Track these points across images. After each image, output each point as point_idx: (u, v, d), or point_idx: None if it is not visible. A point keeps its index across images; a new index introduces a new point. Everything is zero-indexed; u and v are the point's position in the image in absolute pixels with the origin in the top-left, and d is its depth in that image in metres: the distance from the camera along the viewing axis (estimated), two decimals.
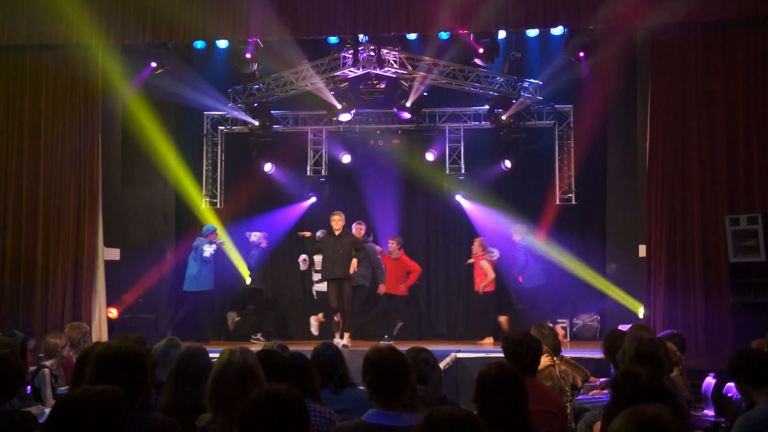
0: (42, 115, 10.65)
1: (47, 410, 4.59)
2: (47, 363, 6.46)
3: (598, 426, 5.24)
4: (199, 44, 11.65)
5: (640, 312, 10.53)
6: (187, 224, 12.55)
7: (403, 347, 3.94)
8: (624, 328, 7.70)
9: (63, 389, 6.06)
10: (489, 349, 10.29)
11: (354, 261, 10.60)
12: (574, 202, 12.64)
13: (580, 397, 6.24)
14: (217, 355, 3.43)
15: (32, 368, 6.61)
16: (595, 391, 6.60)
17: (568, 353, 7.61)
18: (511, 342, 4.37)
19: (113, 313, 11.06)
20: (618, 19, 10.02)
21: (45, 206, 10.53)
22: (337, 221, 10.55)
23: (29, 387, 6.18)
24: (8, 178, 10.55)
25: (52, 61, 10.55)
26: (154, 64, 11.55)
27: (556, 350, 6.19)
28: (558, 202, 12.60)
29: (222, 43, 11.71)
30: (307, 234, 11.13)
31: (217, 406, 3.10)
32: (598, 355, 8.47)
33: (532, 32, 11.62)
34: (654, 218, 10.24)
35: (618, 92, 11.40)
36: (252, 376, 3.16)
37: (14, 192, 10.54)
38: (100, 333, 10.36)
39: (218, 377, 3.13)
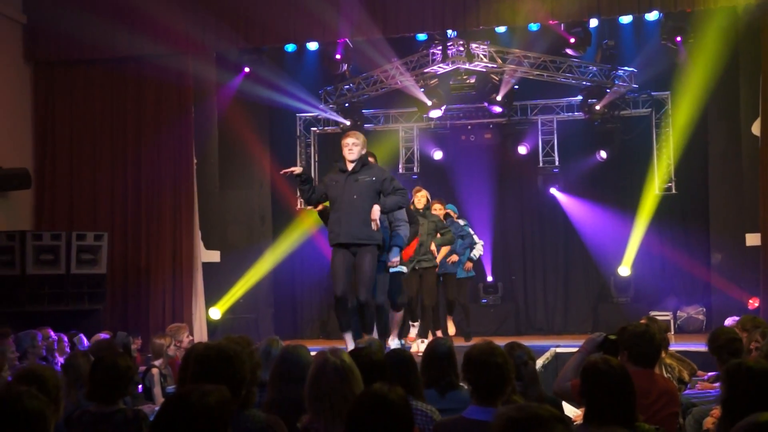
0: (142, 124, 10.97)
1: (157, 408, 4.71)
2: (156, 363, 6.65)
3: (708, 421, 5.05)
4: (290, 47, 11.80)
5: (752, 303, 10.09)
6: (284, 225, 12.75)
7: (500, 342, 3.87)
8: (730, 321, 7.40)
9: (171, 388, 6.23)
10: None
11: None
12: (674, 191, 12.25)
13: (687, 391, 6.04)
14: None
15: (143, 368, 6.83)
16: (702, 385, 6.36)
17: (673, 347, 7.34)
18: (631, 334, 4.17)
19: (216, 314, 11.31)
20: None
21: (146, 212, 10.84)
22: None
23: (140, 386, 6.38)
24: (115, 185, 10.91)
25: (152, 70, 10.85)
26: (247, 69, 11.79)
27: (663, 344, 5.99)
28: (657, 192, 12.22)
29: (312, 46, 11.83)
30: None
31: (317, 407, 3.10)
32: (704, 348, 8.16)
33: (626, 19, 11.28)
34: None
35: (719, 77, 10.93)
36: (351, 375, 3.15)
37: (120, 199, 10.89)
38: (201, 333, 10.59)
39: (316, 378, 3.13)
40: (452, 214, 9.35)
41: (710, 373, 6.66)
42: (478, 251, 9.58)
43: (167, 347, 6.82)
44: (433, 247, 8.35)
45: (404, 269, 7.60)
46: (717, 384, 6.00)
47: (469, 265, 9.40)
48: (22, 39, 10.93)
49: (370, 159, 7.10)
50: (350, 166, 6.66)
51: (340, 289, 6.56)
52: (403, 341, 8.10)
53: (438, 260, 8.57)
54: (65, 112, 11.07)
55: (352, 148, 6.68)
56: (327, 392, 3.08)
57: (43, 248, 9.37)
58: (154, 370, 6.51)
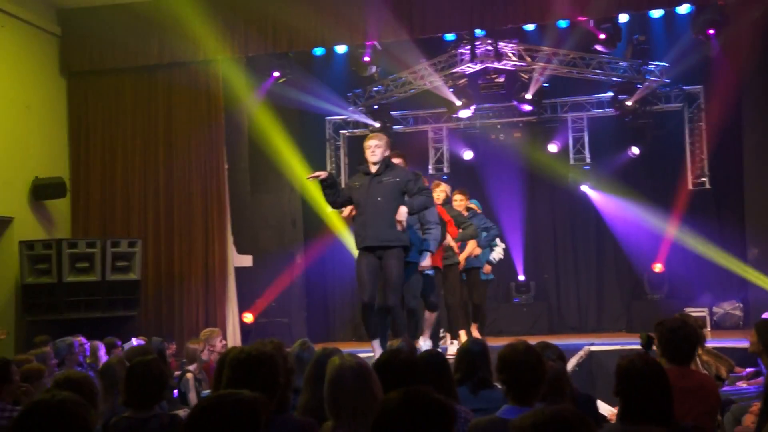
0: (173, 130, 11.06)
1: None
2: (190, 368, 6.70)
3: (747, 419, 4.97)
4: (319, 51, 11.83)
5: None
6: (315, 229, 12.78)
7: (532, 342, 3.84)
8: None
9: (206, 392, 6.27)
10: (623, 341, 9.95)
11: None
12: (708, 186, 12.09)
13: (725, 388, 5.95)
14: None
15: (177, 373, 6.88)
16: (741, 383, 6.27)
17: (709, 343, 7.24)
18: (667, 329, 4.10)
19: (249, 317, 11.36)
20: None
21: (178, 218, 10.92)
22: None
23: (176, 391, 6.43)
24: (147, 192, 11.01)
25: (181, 77, 10.94)
26: (276, 74, 11.85)
27: (700, 341, 5.90)
28: (691, 187, 12.07)
29: (340, 49, 11.85)
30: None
31: (338, 413, 3.08)
32: (741, 344, 8.05)
33: (656, 12, 11.15)
34: None
35: (753, 70, 10.77)
36: (368, 376, 3.13)
37: (153, 205, 10.99)
38: (234, 338, 10.64)
39: (334, 383, 3.11)
40: (476, 208, 8.90)
41: (748, 369, 6.56)
42: (497, 254, 9.08)
43: (201, 352, 6.88)
44: (452, 242, 7.90)
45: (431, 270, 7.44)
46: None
47: (488, 268, 8.87)
48: (58, 51, 11.10)
49: (398, 160, 6.97)
50: (373, 168, 6.58)
51: (367, 294, 6.45)
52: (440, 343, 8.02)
53: (462, 257, 8.15)
54: (98, 121, 11.20)
55: (375, 150, 6.56)
56: (345, 395, 3.07)
57: (78, 256, 9.50)
58: (189, 375, 6.56)
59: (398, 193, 6.49)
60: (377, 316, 6.55)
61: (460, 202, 8.43)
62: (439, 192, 7.91)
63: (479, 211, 9.04)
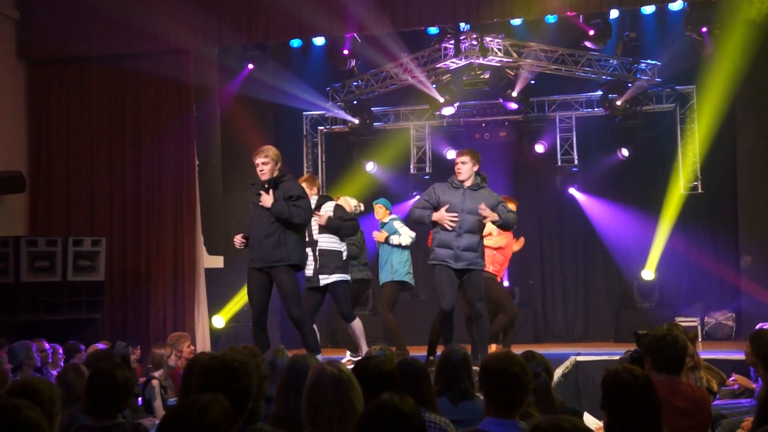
0: (141, 124, 10.99)
1: (158, 422, 4.71)
2: (156, 374, 6.66)
3: None
4: (296, 43, 11.81)
5: None
6: None
7: (517, 351, 3.85)
8: (766, 326, 7.33)
9: (173, 400, 6.22)
10: (611, 351, 10.00)
11: None
12: (700, 190, 12.18)
13: (717, 402, 5.98)
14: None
15: (142, 380, 6.83)
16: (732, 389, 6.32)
17: (701, 355, 7.30)
18: (652, 339, 4.12)
19: (219, 322, 11.31)
20: None
21: (146, 216, 10.85)
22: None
23: (140, 399, 6.38)
24: (113, 188, 10.92)
25: (150, 67, 10.86)
26: (251, 66, 11.81)
27: (690, 353, 5.94)
28: (683, 192, 12.15)
29: (318, 41, 11.84)
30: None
31: (314, 420, 3.07)
32: (734, 356, 8.13)
33: (648, 9, 11.25)
34: None
35: (747, 69, 10.86)
36: (349, 386, 3.12)
37: (119, 202, 10.90)
38: (204, 343, 10.59)
39: (313, 391, 3.09)
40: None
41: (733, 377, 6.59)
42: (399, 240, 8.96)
43: (168, 357, 6.83)
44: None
45: (347, 277, 7.87)
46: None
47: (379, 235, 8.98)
48: (15, 36, 10.96)
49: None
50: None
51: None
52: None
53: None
54: (61, 113, 11.09)
55: (263, 167, 6.88)
56: (324, 403, 3.05)
57: (38, 254, 9.38)
58: (155, 382, 6.51)
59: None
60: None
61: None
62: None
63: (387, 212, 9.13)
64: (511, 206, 8.29)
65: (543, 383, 4.25)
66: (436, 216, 7.03)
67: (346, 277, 7.78)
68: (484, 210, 6.92)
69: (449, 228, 6.99)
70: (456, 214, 6.99)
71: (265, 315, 6.96)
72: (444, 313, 7.12)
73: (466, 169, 7.09)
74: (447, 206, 7.02)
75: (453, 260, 7.03)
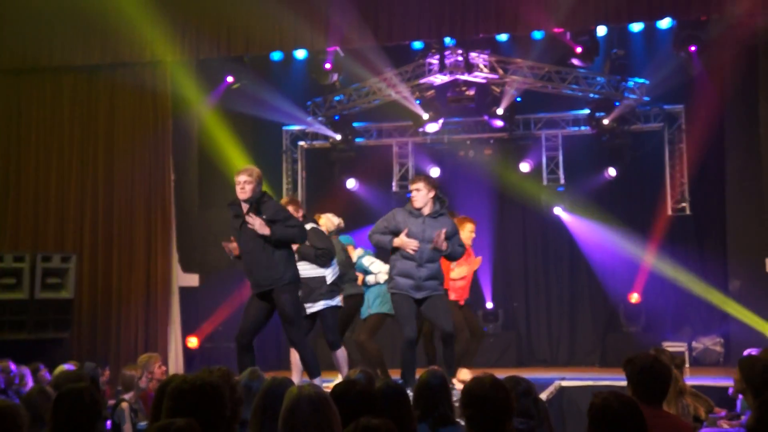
0: (115, 137, 10.95)
1: None
2: (126, 396, 6.57)
3: None
4: (276, 56, 11.80)
5: None
6: None
7: (500, 375, 3.84)
8: (754, 352, 7.36)
9: (143, 424, 6.15)
10: (597, 376, 10.02)
11: None
12: (688, 212, 12.27)
13: (704, 430, 5.99)
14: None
15: (111, 402, 6.74)
16: (721, 422, 6.33)
17: (688, 381, 7.32)
18: (638, 368, 4.12)
19: (193, 342, 11.23)
20: (735, 6, 9.64)
21: (119, 232, 10.78)
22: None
23: (109, 422, 6.30)
24: (84, 203, 10.85)
25: (126, 79, 10.83)
26: (230, 79, 11.80)
27: (677, 379, 5.96)
28: (670, 213, 12.24)
29: (300, 54, 11.83)
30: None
31: None
32: (722, 382, 8.15)
33: (636, 27, 11.32)
34: None
35: (736, 89, 10.97)
36: (327, 408, 3.10)
37: (90, 217, 10.83)
38: (177, 364, 10.51)
39: (290, 415, 3.07)
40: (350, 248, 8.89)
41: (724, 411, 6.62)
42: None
43: (138, 379, 6.75)
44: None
45: (334, 302, 7.76)
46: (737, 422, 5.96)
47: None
48: None
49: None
50: (244, 207, 6.86)
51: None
52: None
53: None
54: (31, 124, 11.04)
55: (245, 186, 6.83)
56: (302, 427, 3.03)
57: (4, 271, 9.30)
58: (124, 405, 6.42)
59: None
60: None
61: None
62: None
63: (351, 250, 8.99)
64: (470, 226, 8.30)
65: (542, 409, 4.24)
66: (397, 242, 6.98)
67: (333, 302, 7.66)
68: (438, 238, 6.92)
69: (412, 252, 6.97)
70: (416, 243, 6.98)
71: (250, 335, 6.90)
72: (408, 341, 7.08)
73: (420, 196, 7.05)
74: (406, 230, 6.99)
75: (414, 291, 7.02)
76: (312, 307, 7.58)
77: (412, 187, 7.16)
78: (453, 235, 7.14)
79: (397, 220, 7.09)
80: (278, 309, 6.81)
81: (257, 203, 6.79)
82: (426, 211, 7.08)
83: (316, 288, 7.57)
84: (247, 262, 6.89)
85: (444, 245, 6.99)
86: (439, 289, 7.15)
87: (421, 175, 7.40)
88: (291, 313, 6.78)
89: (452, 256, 7.26)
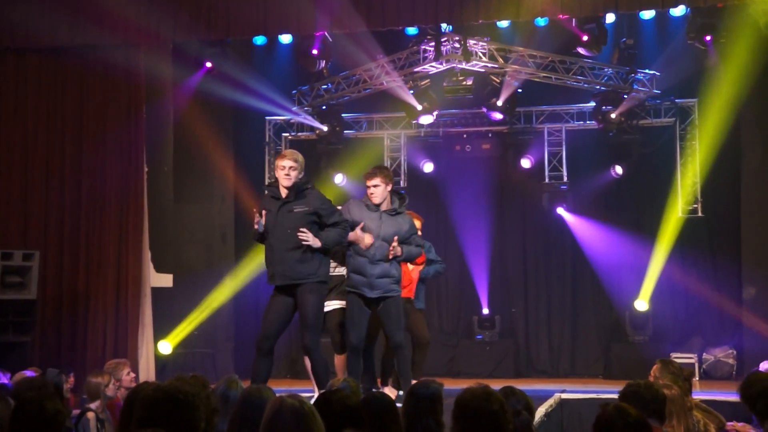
0: (84, 125, 10.91)
1: None
2: (92, 406, 6.56)
3: None
4: (260, 40, 11.79)
5: None
6: (248, 245, 12.66)
7: (496, 386, 3.85)
8: (765, 366, 7.40)
9: None
10: (600, 388, 10.05)
11: None
12: (700, 213, 12.30)
13: None
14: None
15: (76, 412, 6.73)
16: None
17: (698, 395, 7.35)
18: (630, 388, 4.16)
19: (166, 347, 11.22)
20: None
21: (87, 228, 10.76)
22: None
23: None
24: (49, 196, 10.82)
25: (96, 63, 10.81)
26: (209, 65, 11.77)
27: (685, 393, 5.97)
28: (681, 215, 12.27)
29: (285, 39, 11.83)
30: None
31: None
32: (734, 397, 8.17)
33: (647, 14, 11.37)
34: None
35: (754, 83, 11.01)
36: (311, 419, 3.11)
37: (56, 212, 10.79)
38: (148, 371, 10.50)
39: (271, 426, 3.08)
40: None
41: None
42: None
43: (105, 387, 6.74)
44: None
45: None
46: None
47: None
48: None
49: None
50: (284, 193, 6.87)
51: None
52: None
53: None
54: None
55: (290, 172, 6.83)
56: None
57: None
58: (90, 414, 6.42)
59: (309, 225, 6.79)
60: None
61: None
62: None
63: None
64: (416, 223, 8.32)
65: (524, 423, 4.24)
66: (352, 236, 7.03)
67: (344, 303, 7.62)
68: (394, 245, 7.03)
69: (364, 248, 7.02)
70: (371, 238, 7.05)
71: (273, 339, 6.98)
72: (352, 348, 7.17)
73: (379, 191, 7.15)
74: (362, 225, 7.05)
75: (367, 288, 7.10)
76: (328, 307, 7.55)
77: (370, 183, 7.22)
78: (411, 235, 7.24)
79: (351, 213, 7.17)
80: (300, 308, 6.82)
81: (299, 190, 6.83)
82: (384, 206, 7.17)
83: (337, 286, 7.60)
84: (277, 249, 6.83)
85: (397, 250, 7.08)
86: (394, 290, 7.20)
87: (377, 169, 7.43)
88: (313, 317, 6.82)
89: (407, 260, 7.39)
